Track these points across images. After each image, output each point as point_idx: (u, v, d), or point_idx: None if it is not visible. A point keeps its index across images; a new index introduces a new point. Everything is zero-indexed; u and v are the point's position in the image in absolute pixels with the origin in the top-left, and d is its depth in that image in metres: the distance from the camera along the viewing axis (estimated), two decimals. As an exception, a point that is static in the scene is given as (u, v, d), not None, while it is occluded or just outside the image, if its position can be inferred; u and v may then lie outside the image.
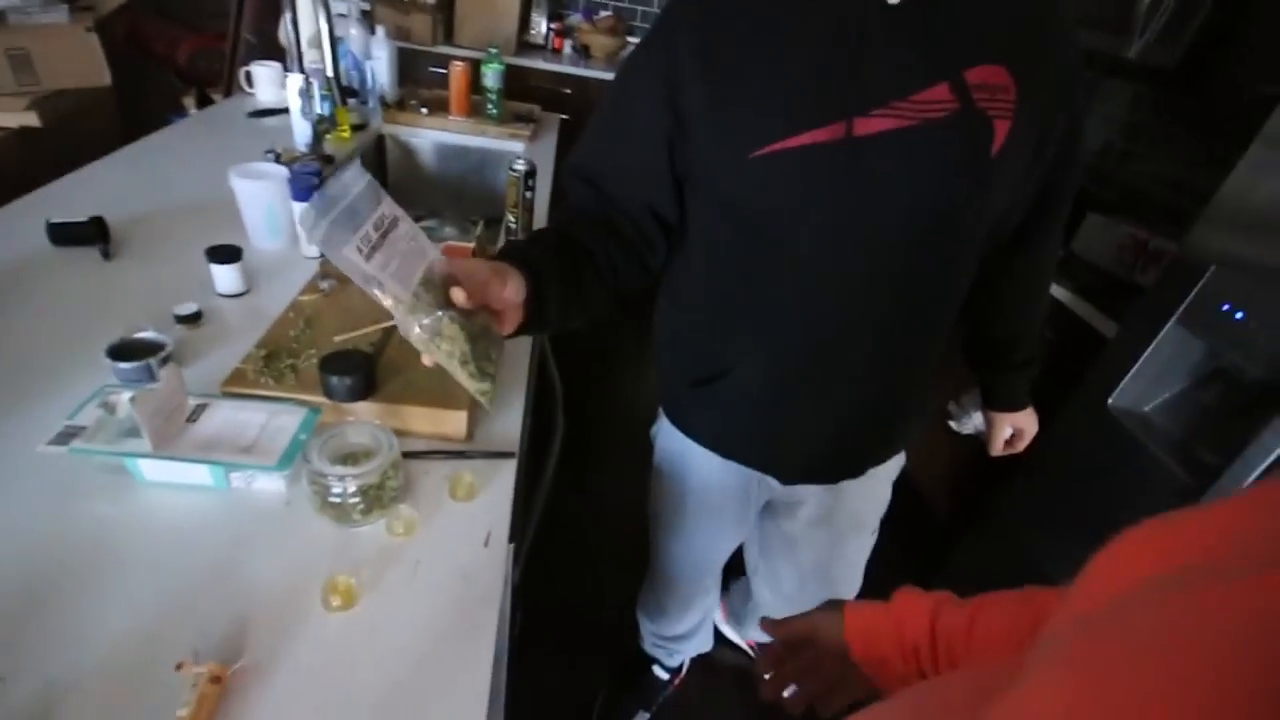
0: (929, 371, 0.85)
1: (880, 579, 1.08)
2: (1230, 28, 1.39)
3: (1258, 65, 1.33)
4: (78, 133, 1.47)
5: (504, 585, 0.66)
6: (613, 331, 2.68)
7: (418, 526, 0.68)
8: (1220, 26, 1.39)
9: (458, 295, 0.52)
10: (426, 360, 0.54)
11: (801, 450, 0.84)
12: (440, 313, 0.51)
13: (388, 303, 0.50)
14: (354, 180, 0.50)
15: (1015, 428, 0.98)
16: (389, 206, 0.52)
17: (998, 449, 1.01)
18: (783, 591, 1.09)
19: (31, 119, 1.40)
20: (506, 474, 0.77)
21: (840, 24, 0.61)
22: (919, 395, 0.88)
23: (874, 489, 0.96)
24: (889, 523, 1.03)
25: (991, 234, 0.75)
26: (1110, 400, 1.20)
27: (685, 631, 1.26)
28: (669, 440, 0.95)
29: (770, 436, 0.84)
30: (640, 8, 3.49)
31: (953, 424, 1.02)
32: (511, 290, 0.57)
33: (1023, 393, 0.96)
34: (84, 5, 1.53)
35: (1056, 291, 1.52)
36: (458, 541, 0.68)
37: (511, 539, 0.71)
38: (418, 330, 0.51)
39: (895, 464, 0.95)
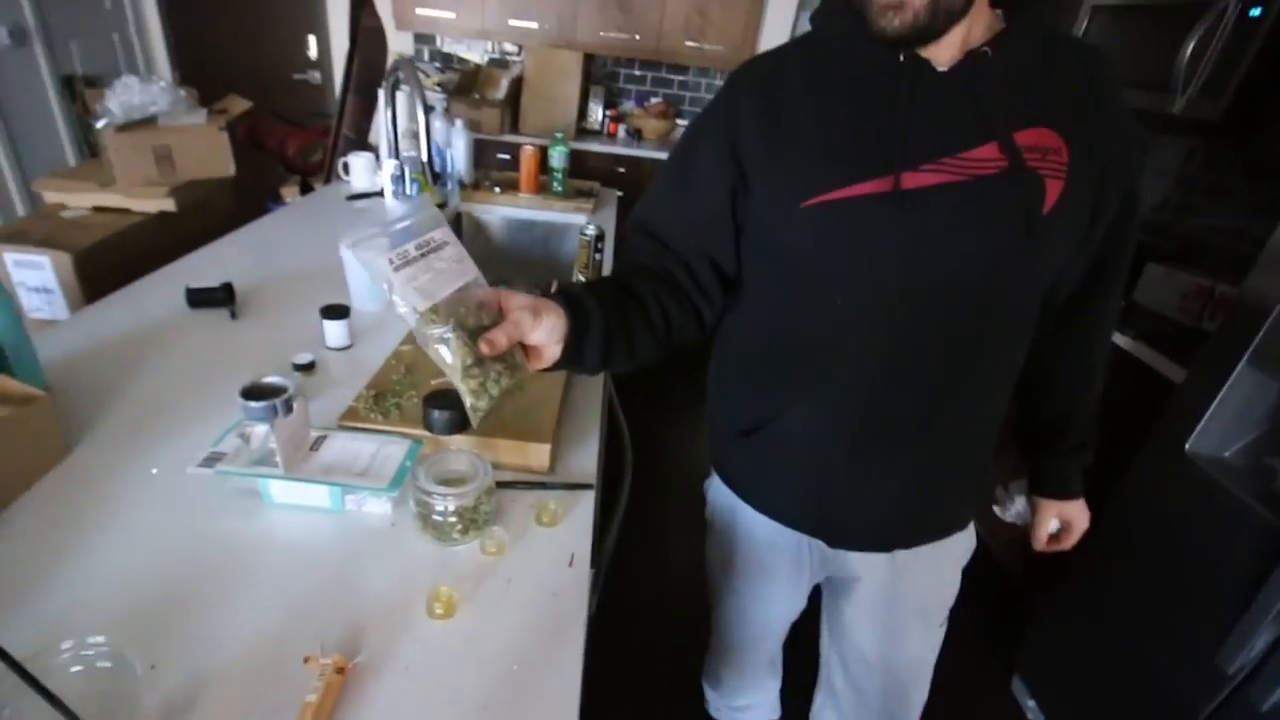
0: (985, 443, 0.82)
1: (956, 650, 1.02)
2: (1271, 79, 1.43)
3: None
4: (205, 215, 1.69)
5: (586, 607, 0.70)
6: (679, 382, 2.74)
7: (508, 547, 0.74)
8: (1261, 79, 1.43)
9: (483, 347, 0.55)
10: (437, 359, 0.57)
11: (846, 511, 0.81)
12: (449, 327, 0.55)
13: (402, 310, 0.54)
14: (424, 213, 0.59)
15: (1063, 519, 0.91)
16: (442, 234, 0.59)
17: (1041, 542, 0.93)
18: (852, 683, 1.00)
19: (169, 204, 1.62)
20: (585, 504, 0.82)
21: (891, 88, 0.65)
22: (974, 467, 0.83)
23: (937, 572, 0.90)
24: (963, 588, 0.94)
25: (1046, 300, 0.75)
26: (1188, 446, 1.18)
27: (745, 704, 1.21)
28: (719, 494, 0.94)
29: (813, 493, 0.81)
30: (688, 93, 3.74)
31: (996, 509, 0.96)
32: (544, 329, 0.59)
33: (1074, 481, 0.89)
34: (218, 110, 1.79)
35: (1119, 339, 1.51)
36: (544, 562, 0.73)
37: (592, 564, 0.75)
38: (425, 335, 0.55)
39: (962, 547, 0.89)
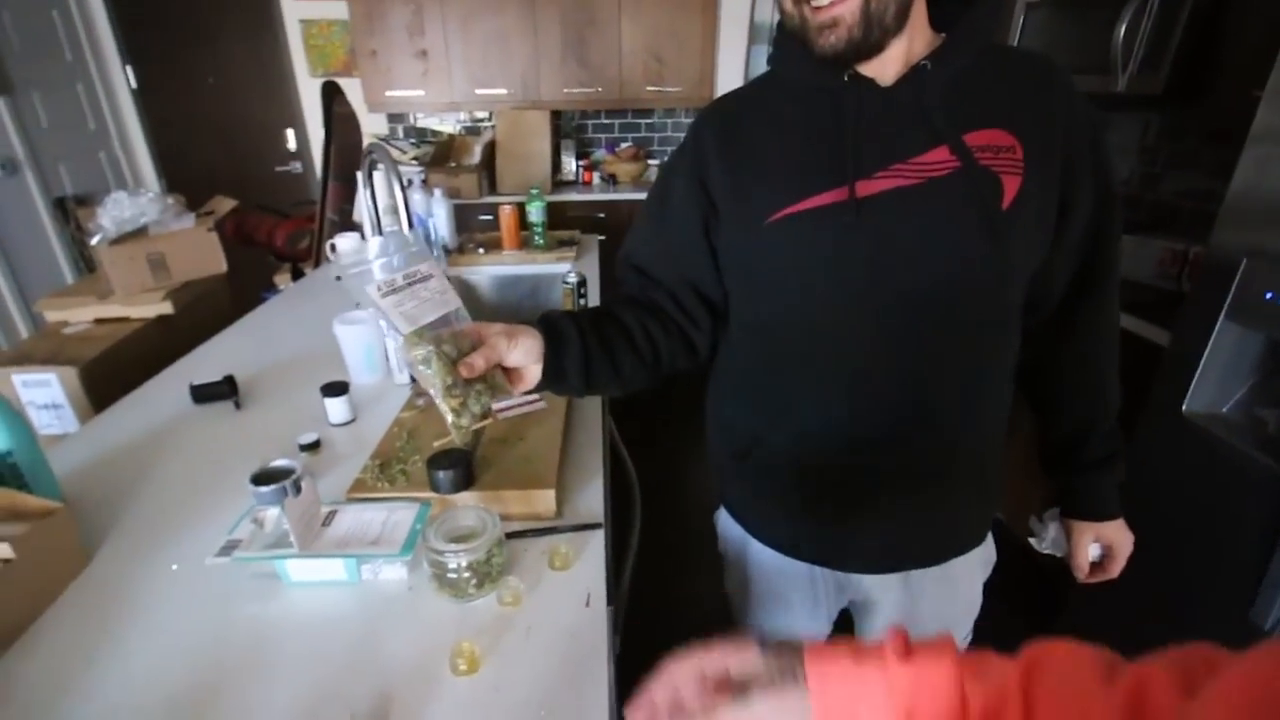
0: (987, 451, 0.80)
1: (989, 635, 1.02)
2: (1202, 48, 1.49)
3: (1237, 74, 1.41)
4: (202, 312, 1.74)
5: (609, 645, 0.71)
6: (686, 412, 2.75)
7: (524, 596, 0.75)
8: (1194, 49, 1.49)
9: (461, 370, 0.61)
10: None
11: (847, 534, 0.80)
12: (430, 348, 0.61)
13: (398, 328, 0.61)
14: (416, 251, 0.66)
15: (1103, 542, 0.86)
16: (429, 268, 0.65)
17: (1083, 570, 0.87)
18: None
19: (167, 307, 1.67)
20: (596, 543, 0.84)
21: (839, 106, 0.69)
22: (979, 477, 0.81)
23: (956, 590, 0.87)
24: (992, 578, 0.92)
25: (1031, 305, 0.75)
26: (1184, 407, 1.19)
27: None
28: (728, 527, 0.94)
29: (811, 518, 0.81)
30: (656, 134, 3.86)
31: (1032, 541, 0.90)
32: (520, 350, 0.65)
33: (1107, 498, 0.84)
34: (205, 212, 1.86)
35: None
36: (561, 606, 0.74)
37: (609, 602, 0.76)
38: (410, 356, 0.61)
39: (979, 561, 0.88)
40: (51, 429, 1.41)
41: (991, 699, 0.37)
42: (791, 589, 0.90)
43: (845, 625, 1.00)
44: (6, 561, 0.70)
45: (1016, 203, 0.65)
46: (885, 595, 0.88)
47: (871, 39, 0.64)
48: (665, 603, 1.79)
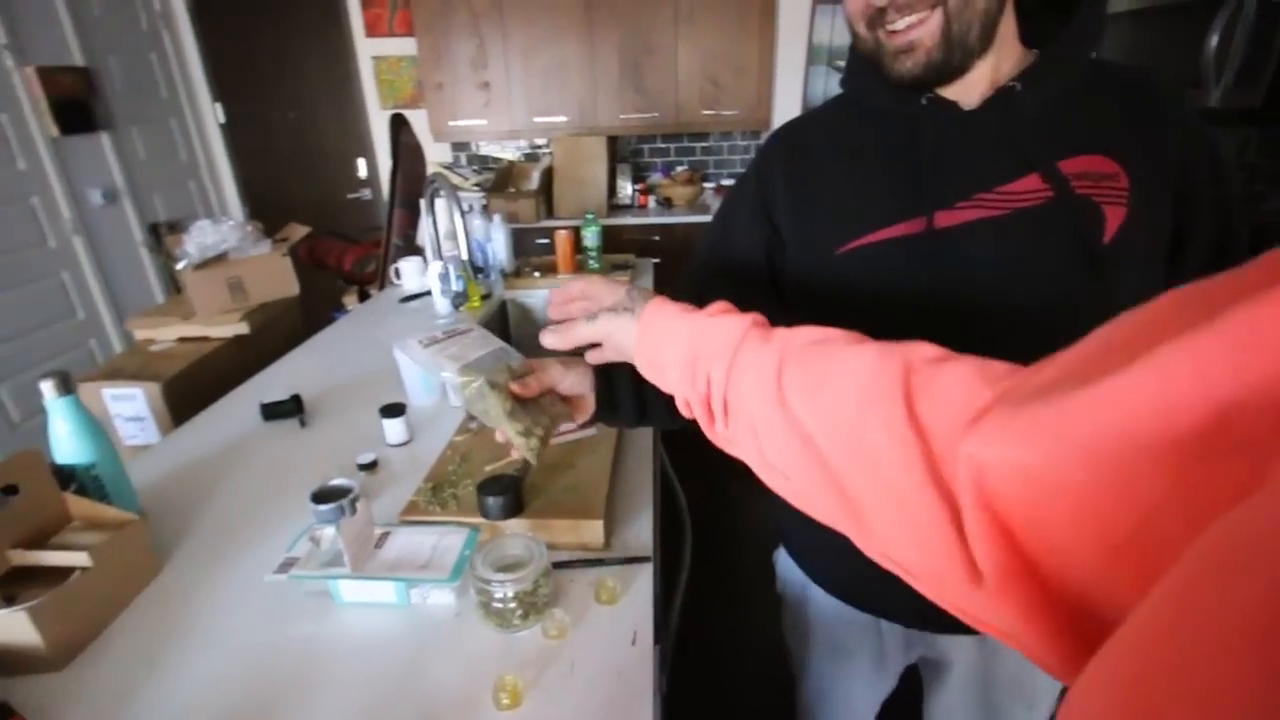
0: None
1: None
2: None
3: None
4: (275, 333, 1.83)
5: (654, 685, 0.68)
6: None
7: (569, 629, 0.73)
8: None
9: (515, 387, 0.61)
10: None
11: (901, 591, 0.75)
12: (482, 379, 0.61)
13: (445, 376, 0.63)
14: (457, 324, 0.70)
15: None
16: (466, 325, 0.69)
17: None
18: None
19: (243, 328, 1.77)
20: (644, 578, 0.81)
21: (916, 131, 0.64)
22: None
23: None
24: None
25: None
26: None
27: None
28: (788, 569, 0.90)
29: (879, 568, 0.76)
30: (711, 158, 3.87)
31: None
32: (573, 377, 0.65)
33: None
34: (280, 238, 1.96)
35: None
36: (607, 642, 0.72)
37: (656, 640, 0.74)
38: (465, 394, 0.62)
39: None
40: (136, 440, 1.50)
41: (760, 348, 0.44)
42: (854, 641, 0.85)
43: (914, 684, 0.94)
44: (84, 570, 0.74)
45: (1121, 234, 0.59)
46: (959, 656, 0.81)
47: (954, 62, 0.59)
48: (715, 641, 1.74)
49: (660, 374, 0.51)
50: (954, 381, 0.33)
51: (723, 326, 0.46)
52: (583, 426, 1.05)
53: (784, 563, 0.91)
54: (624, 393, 0.68)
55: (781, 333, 0.44)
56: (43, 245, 2.57)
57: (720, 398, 0.45)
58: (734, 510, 2.40)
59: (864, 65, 0.67)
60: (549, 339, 0.59)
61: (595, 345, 0.60)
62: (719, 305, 0.49)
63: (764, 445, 0.43)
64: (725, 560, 2.01)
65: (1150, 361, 0.22)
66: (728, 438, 0.47)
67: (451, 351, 0.64)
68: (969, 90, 0.63)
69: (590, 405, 0.67)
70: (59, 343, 2.63)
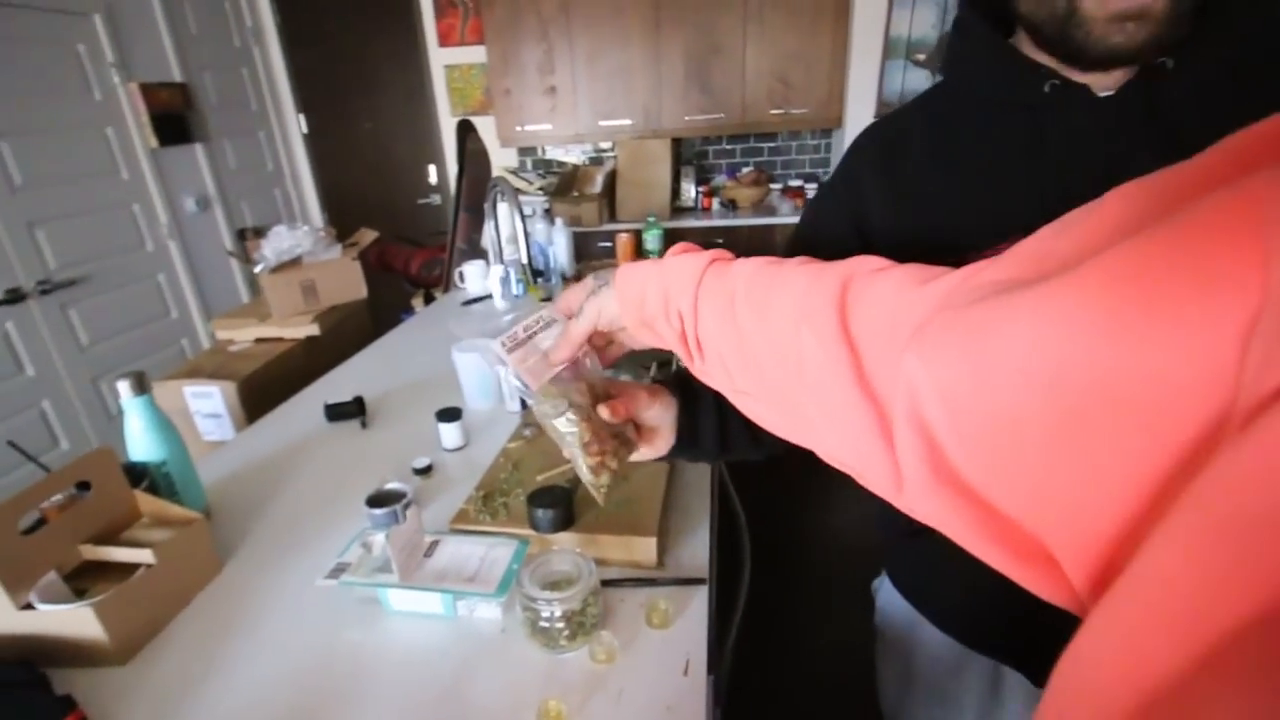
0: None
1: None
2: None
3: None
4: (344, 335, 1.88)
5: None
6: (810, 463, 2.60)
7: (618, 654, 0.70)
8: None
9: (604, 411, 0.55)
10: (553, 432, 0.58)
11: (1047, 636, 0.64)
12: (565, 401, 0.56)
13: (515, 384, 0.58)
14: (528, 308, 0.61)
15: None
16: (546, 314, 0.60)
17: None
18: None
19: (314, 330, 1.83)
20: (699, 601, 0.77)
21: (1036, 127, 0.55)
22: None
23: None
24: None
25: None
26: None
27: None
28: (891, 602, 0.81)
29: (1003, 610, 0.65)
30: (779, 158, 3.77)
31: None
32: (659, 407, 0.59)
33: None
34: (351, 243, 2.03)
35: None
36: (657, 670, 0.68)
37: (710, 670, 0.69)
38: (541, 410, 0.57)
39: None
40: (213, 436, 1.57)
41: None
42: (967, 687, 0.75)
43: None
44: (148, 566, 0.76)
45: None
46: None
47: (1179, 35, 0.47)
48: (774, 675, 1.66)
49: (651, 327, 0.51)
50: (887, 288, 0.33)
51: (685, 262, 0.48)
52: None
53: (887, 594, 0.82)
54: (707, 420, 0.63)
55: (739, 262, 0.46)
56: (141, 249, 2.76)
57: (692, 331, 0.47)
58: (798, 531, 2.30)
59: (977, 44, 0.58)
60: (557, 354, 0.57)
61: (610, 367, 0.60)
62: (680, 245, 0.51)
63: (729, 368, 0.45)
64: (788, 586, 1.92)
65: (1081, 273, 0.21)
66: (705, 371, 0.49)
67: (531, 363, 0.57)
68: (1105, 71, 0.51)
69: (667, 439, 0.61)
70: (153, 341, 2.82)
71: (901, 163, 0.62)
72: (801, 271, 0.41)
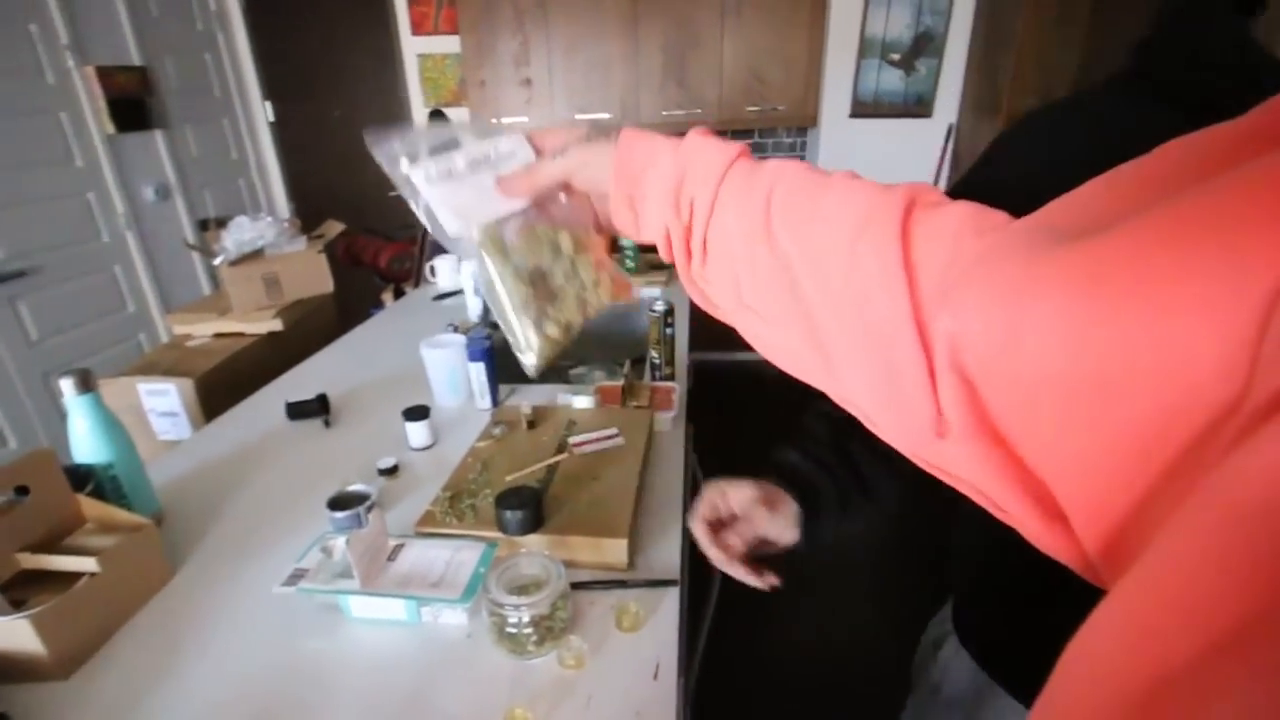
0: None
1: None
2: None
3: None
4: (308, 330, 1.83)
5: (677, 724, 0.62)
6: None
7: (587, 658, 0.68)
8: None
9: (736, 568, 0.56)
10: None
11: None
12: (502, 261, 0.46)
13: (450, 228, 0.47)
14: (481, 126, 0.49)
15: None
16: (505, 144, 0.48)
17: None
18: None
19: (277, 325, 1.77)
20: (670, 603, 0.75)
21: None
22: None
23: None
24: None
25: None
26: None
27: None
28: (957, 663, 0.72)
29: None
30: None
31: None
32: (781, 520, 0.61)
33: None
34: (317, 235, 1.97)
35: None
36: (627, 674, 0.67)
37: (680, 673, 0.68)
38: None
39: None
40: (168, 435, 1.51)
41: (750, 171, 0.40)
42: None
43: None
44: (92, 575, 0.72)
45: None
46: None
47: None
48: (744, 671, 1.65)
49: (640, 206, 0.43)
50: (947, 224, 0.32)
51: (710, 148, 0.41)
52: (606, 430, 1.00)
53: (954, 652, 0.72)
54: (829, 517, 0.63)
55: (774, 162, 0.41)
56: (96, 240, 2.65)
57: (702, 228, 0.41)
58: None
59: (1192, 20, 0.46)
60: (509, 186, 0.46)
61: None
62: (701, 128, 0.44)
63: (741, 279, 0.40)
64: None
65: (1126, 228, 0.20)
66: (703, 276, 0.42)
67: (464, 198, 0.45)
68: None
69: (791, 537, 0.63)
70: (109, 336, 2.71)
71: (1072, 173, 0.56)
72: (859, 184, 0.36)
